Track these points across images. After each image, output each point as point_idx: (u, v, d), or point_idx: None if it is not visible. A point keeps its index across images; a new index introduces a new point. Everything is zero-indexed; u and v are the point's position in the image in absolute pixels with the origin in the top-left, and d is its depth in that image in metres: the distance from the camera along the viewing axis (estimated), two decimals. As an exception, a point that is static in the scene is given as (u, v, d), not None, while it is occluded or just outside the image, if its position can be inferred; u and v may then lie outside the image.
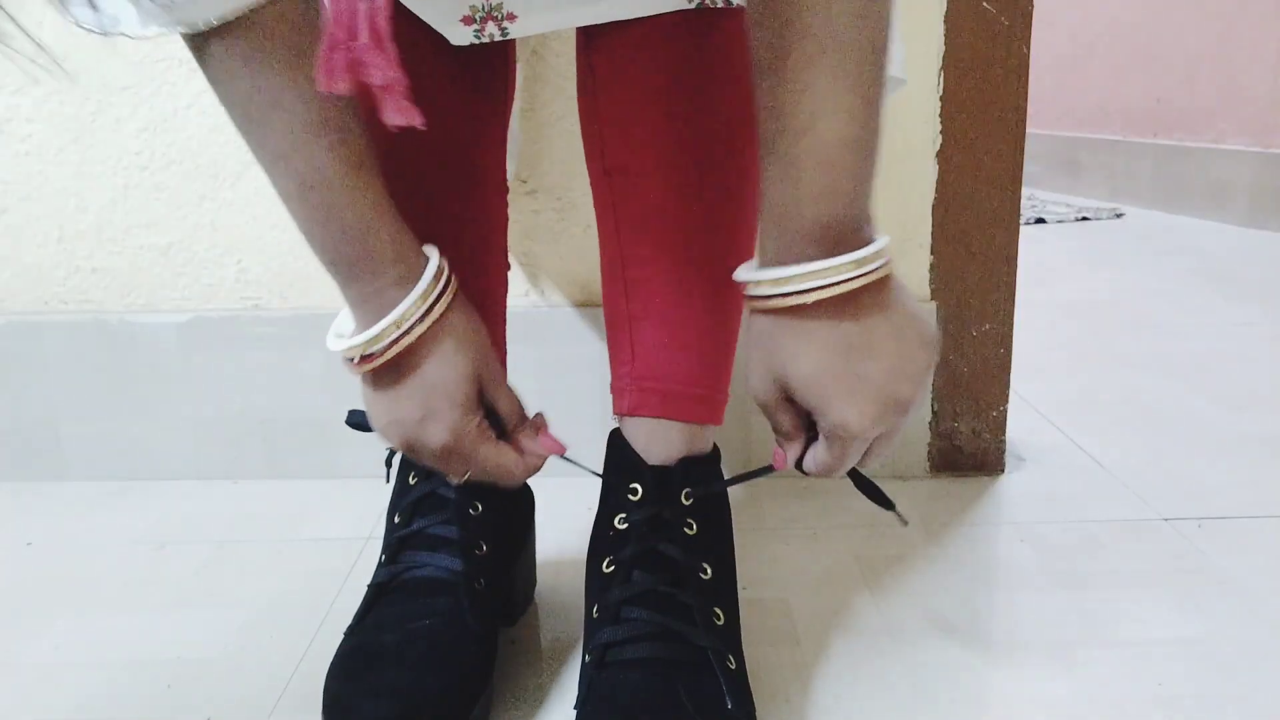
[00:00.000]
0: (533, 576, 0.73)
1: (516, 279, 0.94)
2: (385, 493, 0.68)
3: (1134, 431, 1.04)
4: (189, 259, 0.95)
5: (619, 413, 0.63)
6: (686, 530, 0.59)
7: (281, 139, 0.49)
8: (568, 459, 0.60)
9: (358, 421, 0.62)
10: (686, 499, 0.60)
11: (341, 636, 0.60)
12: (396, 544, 0.63)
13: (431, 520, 0.62)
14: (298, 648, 0.68)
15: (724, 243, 0.61)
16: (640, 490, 0.59)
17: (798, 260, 0.46)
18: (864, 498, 0.57)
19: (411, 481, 0.65)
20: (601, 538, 0.61)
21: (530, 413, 0.59)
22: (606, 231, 0.63)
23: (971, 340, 0.93)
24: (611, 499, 0.61)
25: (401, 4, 0.57)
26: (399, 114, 0.43)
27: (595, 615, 0.59)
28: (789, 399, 0.50)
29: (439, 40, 0.59)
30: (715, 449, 0.65)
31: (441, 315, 0.52)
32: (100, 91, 0.91)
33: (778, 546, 0.81)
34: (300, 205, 0.52)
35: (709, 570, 0.59)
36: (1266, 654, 0.65)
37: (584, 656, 0.58)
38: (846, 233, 0.46)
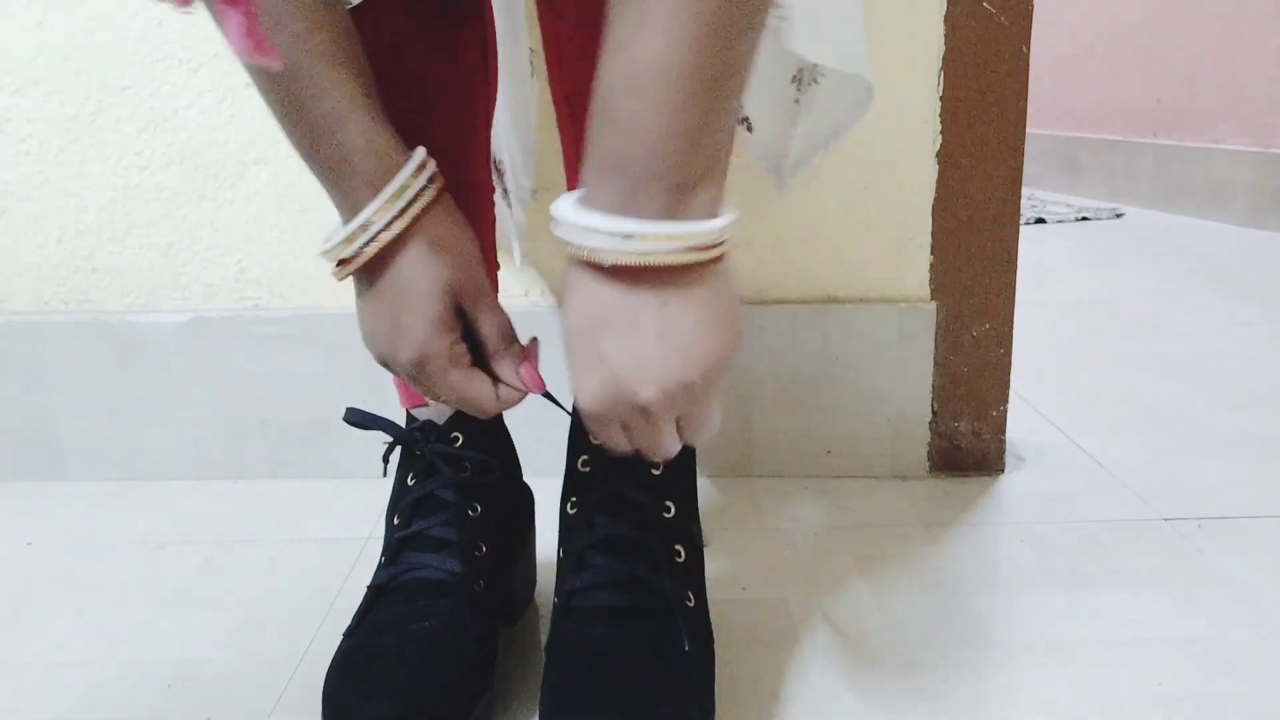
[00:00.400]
0: (533, 577, 0.73)
1: (516, 279, 0.94)
2: (385, 493, 0.68)
3: (1134, 431, 1.04)
4: (189, 259, 0.95)
5: None
6: (654, 470, 0.60)
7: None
8: (548, 396, 0.55)
9: (357, 420, 0.62)
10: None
11: (341, 637, 0.60)
12: (396, 545, 0.63)
13: (431, 521, 0.62)
14: (298, 648, 0.68)
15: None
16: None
17: (597, 204, 0.41)
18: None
19: (410, 482, 0.65)
20: (568, 478, 0.63)
21: (524, 339, 0.55)
22: (569, 160, 0.63)
23: (971, 340, 0.93)
24: (575, 439, 0.62)
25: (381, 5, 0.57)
26: (247, 38, 0.36)
27: (562, 559, 0.61)
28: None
29: (420, 34, 0.59)
30: None
31: (416, 218, 0.49)
32: (100, 91, 0.91)
33: (778, 546, 0.81)
34: (271, 100, 0.49)
35: (672, 509, 0.60)
36: (1266, 654, 0.65)
37: (555, 601, 0.61)
38: (661, 189, 0.40)
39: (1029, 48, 0.87)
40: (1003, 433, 0.95)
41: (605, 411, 0.45)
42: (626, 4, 0.39)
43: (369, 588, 0.62)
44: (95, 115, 0.92)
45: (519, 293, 0.94)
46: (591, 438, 0.51)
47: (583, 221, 0.42)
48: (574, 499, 0.62)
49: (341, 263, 0.50)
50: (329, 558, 0.81)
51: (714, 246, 0.42)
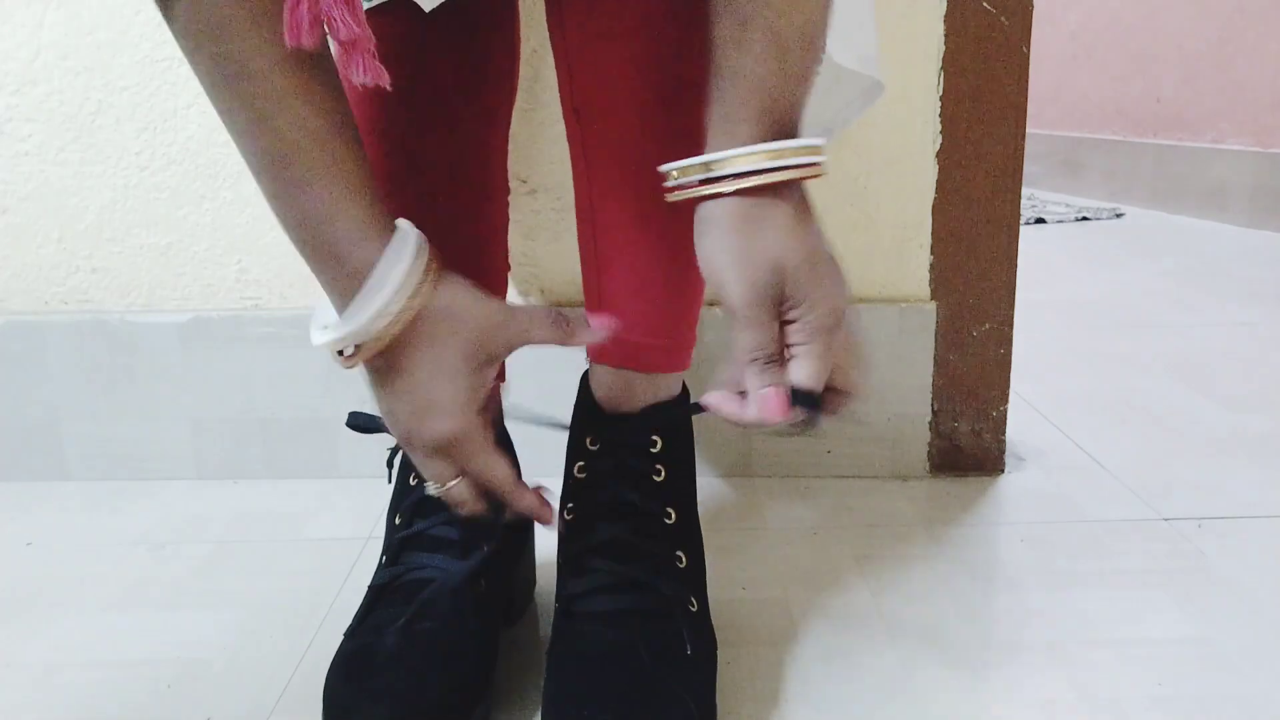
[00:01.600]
0: (533, 577, 0.73)
1: (516, 278, 0.94)
2: (385, 493, 0.68)
3: (1134, 431, 1.04)
4: (189, 259, 0.95)
5: (588, 357, 0.64)
6: (655, 477, 0.60)
7: (251, 107, 0.46)
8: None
9: (358, 423, 0.62)
10: (654, 445, 0.60)
11: (341, 637, 0.60)
12: (397, 545, 0.63)
13: (432, 522, 0.62)
14: (298, 648, 0.68)
15: None
16: (598, 440, 0.61)
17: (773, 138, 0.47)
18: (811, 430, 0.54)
19: (412, 483, 0.65)
20: (566, 485, 0.63)
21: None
22: (578, 172, 0.63)
23: (971, 340, 0.93)
24: (573, 446, 0.63)
25: (408, 10, 0.57)
26: (364, 72, 0.41)
27: (562, 564, 0.61)
28: (772, 298, 0.48)
29: (445, 39, 0.59)
30: (684, 390, 0.66)
31: (427, 300, 0.48)
32: (100, 91, 0.91)
33: (778, 546, 0.81)
34: (267, 181, 0.48)
35: (673, 515, 0.60)
36: (1266, 654, 0.65)
37: (556, 605, 0.60)
38: (794, 118, 0.48)
39: (1029, 48, 0.87)
40: (1003, 433, 0.95)
41: (764, 290, 0.47)
42: None
43: (370, 588, 0.62)
44: (95, 115, 0.92)
45: (519, 293, 0.94)
46: (802, 387, 0.49)
47: (791, 145, 0.47)
48: (571, 504, 0.63)
49: (354, 354, 0.49)
50: (329, 558, 0.81)
51: (819, 151, 0.49)
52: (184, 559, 0.82)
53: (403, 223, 0.50)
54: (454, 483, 0.52)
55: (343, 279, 0.48)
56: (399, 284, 0.47)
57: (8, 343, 0.96)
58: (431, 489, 0.53)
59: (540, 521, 0.55)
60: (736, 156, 0.47)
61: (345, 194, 0.47)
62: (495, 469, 0.52)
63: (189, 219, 0.94)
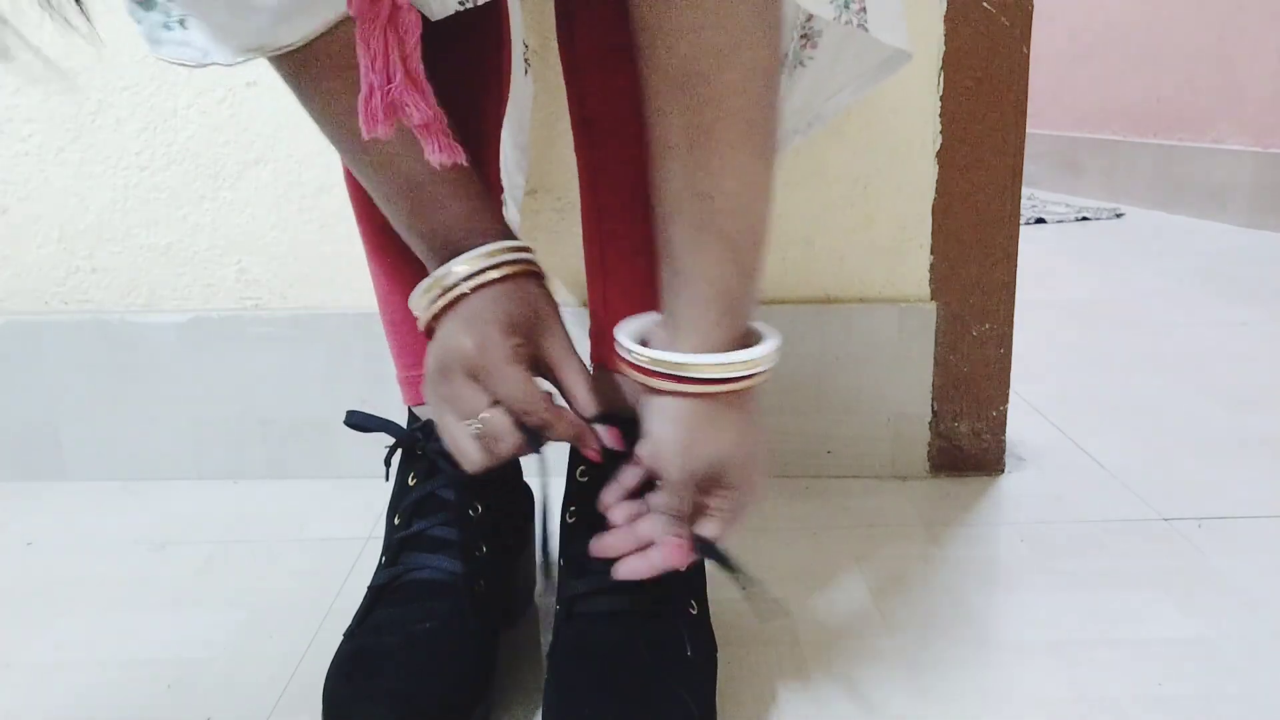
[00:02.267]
0: (533, 577, 0.73)
1: (516, 279, 0.94)
2: (385, 493, 0.68)
3: (1134, 431, 1.04)
4: (189, 259, 0.95)
5: (591, 360, 0.65)
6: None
7: (373, 152, 0.51)
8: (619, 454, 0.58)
9: (358, 422, 0.62)
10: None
11: (341, 637, 0.60)
12: (396, 546, 0.63)
13: (431, 522, 0.62)
14: (298, 648, 0.68)
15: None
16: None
17: (731, 343, 0.50)
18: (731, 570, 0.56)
19: (411, 482, 0.65)
20: (568, 488, 0.64)
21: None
22: (584, 182, 0.64)
23: (971, 340, 0.93)
24: (575, 450, 0.62)
25: None
26: (441, 152, 0.44)
27: (563, 566, 0.61)
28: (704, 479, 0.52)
29: (432, 42, 0.59)
30: None
31: (511, 273, 0.53)
32: (100, 91, 0.91)
33: (778, 546, 0.81)
34: (396, 206, 0.54)
35: None
36: (1266, 654, 0.65)
37: (557, 607, 0.61)
38: (741, 323, 0.50)
39: (1029, 48, 0.87)
40: (1003, 433, 0.95)
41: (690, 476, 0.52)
42: (721, 175, 0.47)
43: (369, 588, 0.62)
44: (95, 115, 0.92)
45: (519, 293, 0.94)
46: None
47: (749, 357, 0.50)
48: (573, 508, 0.63)
49: (438, 301, 0.53)
50: (329, 558, 0.81)
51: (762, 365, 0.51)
52: (184, 559, 0.82)
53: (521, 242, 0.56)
54: (488, 413, 0.52)
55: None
56: (491, 249, 0.53)
57: (8, 343, 0.96)
58: (470, 451, 0.53)
59: (582, 447, 0.56)
60: (708, 365, 0.50)
61: (473, 210, 0.54)
62: (526, 385, 0.53)
63: (189, 219, 0.94)
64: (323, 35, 0.48)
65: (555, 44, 0.87)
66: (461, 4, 0.55)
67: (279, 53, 0.49)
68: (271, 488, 0.95)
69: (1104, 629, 0.68)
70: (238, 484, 0.97)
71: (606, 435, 0.57)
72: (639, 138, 0.59)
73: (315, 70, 0.49)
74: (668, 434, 0.51)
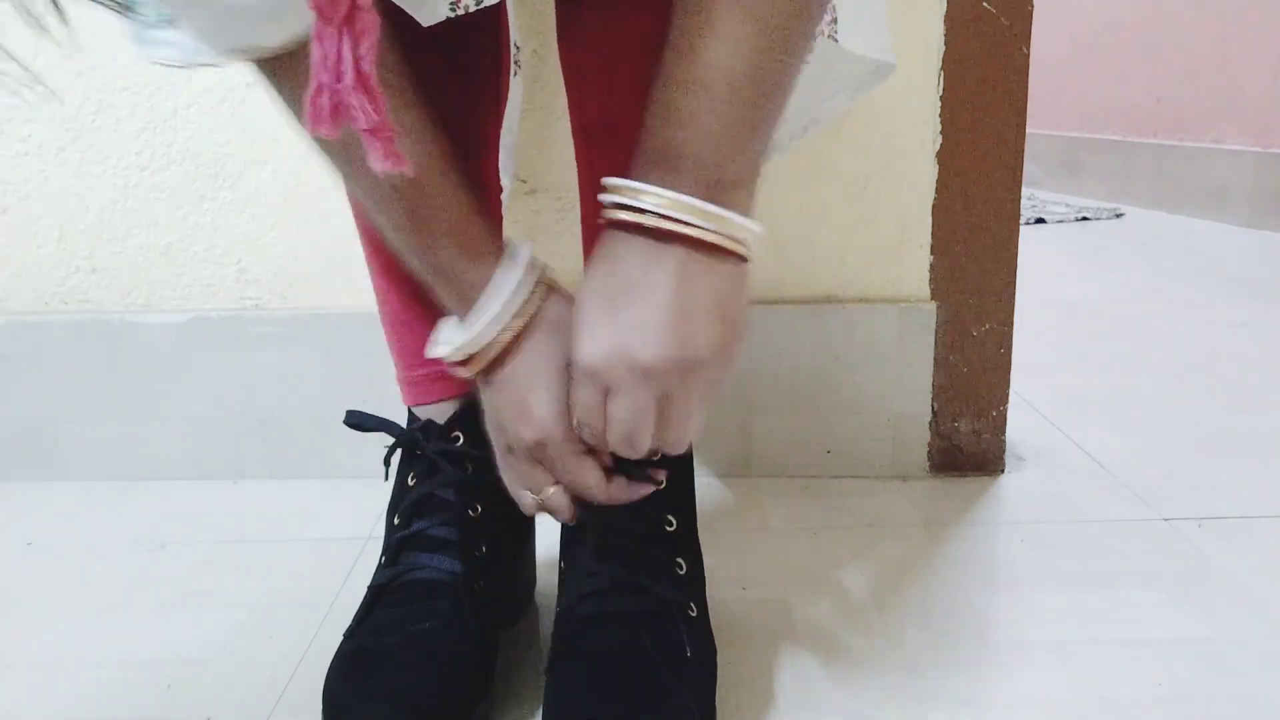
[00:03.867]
0: (533, 577, 0.73)
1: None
2: (385, 493, 0.68)
3: (1134, 431, 1.04)
4: (189, 259, 0.95)
5: None
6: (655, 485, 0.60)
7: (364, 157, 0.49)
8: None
9: (357, 422, 0.62)
10: (655, 454, 0.60)
11: (341, 637, 0.60)
12: (396, 545, 0.63)
13: (431, 522, 0.62)
14: (298, 648, 0.68)
15: None
16: None
17: (649, 179, 0.45)
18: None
19: (411, 482, 0.65)
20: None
21: None
22: (584, 188, 0.64)
23: (971, 340, 0.93)
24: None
25: (386, 9, 0.57)
26: (385, 160, 0.43)
27: (564, 568, 0.61)
28: None
29: (429, 42, 0.59)
30: None
31: (539, 308, 0.52)
32: (100, 91, 0.91)
33: (778, 546, 0.81)
34: (383, 216, 0.52)
35: (674, 523, 0.61)
36: (1266, 654, 0.65)
37: (557, 609, 0.61)
38: (705, 179, 0.44)
39: (1029, 48, 0.87)
40: (1003, 433, 0.95)
41: (601, 367, 0.47)
42: (694, 9, 0.43)
43: (369, 588, 0.62)
44: (95, 115, 0.92)
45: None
46: (572, 418, 0.52)
47: (627, 183, 0.45)
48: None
49: (468, 362, 0.52)
50: (329, 558, 0.81)
51: (739, 241, 0.46)
52: (184, 559, 0.82)
53: (513, 241, 0.53)
54: (552, 490, 0.53)
55: (459, 296, 0.52)
56: (508, 297, 0.50)
57: (8, 343, 0.96)
58: (528, 505, 0.54)
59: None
60: (614, 186, 0.47)
61: (459, 222, 0.51)
62: (587, 473, 0.53)
63: (189, 219, 0.94)
64: (306, 42, 0.47)
65: (555, 44, 0.88)
66: (452, 10, 0.55)
67: (264, 55, 0.48)
68: (271, 488, 0.95)
69: (1104, 629, 0.68)
70: (237, 484, 0.97)
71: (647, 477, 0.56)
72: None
73: (302, 77, 0.49)
74: (648, 307, 0.46)
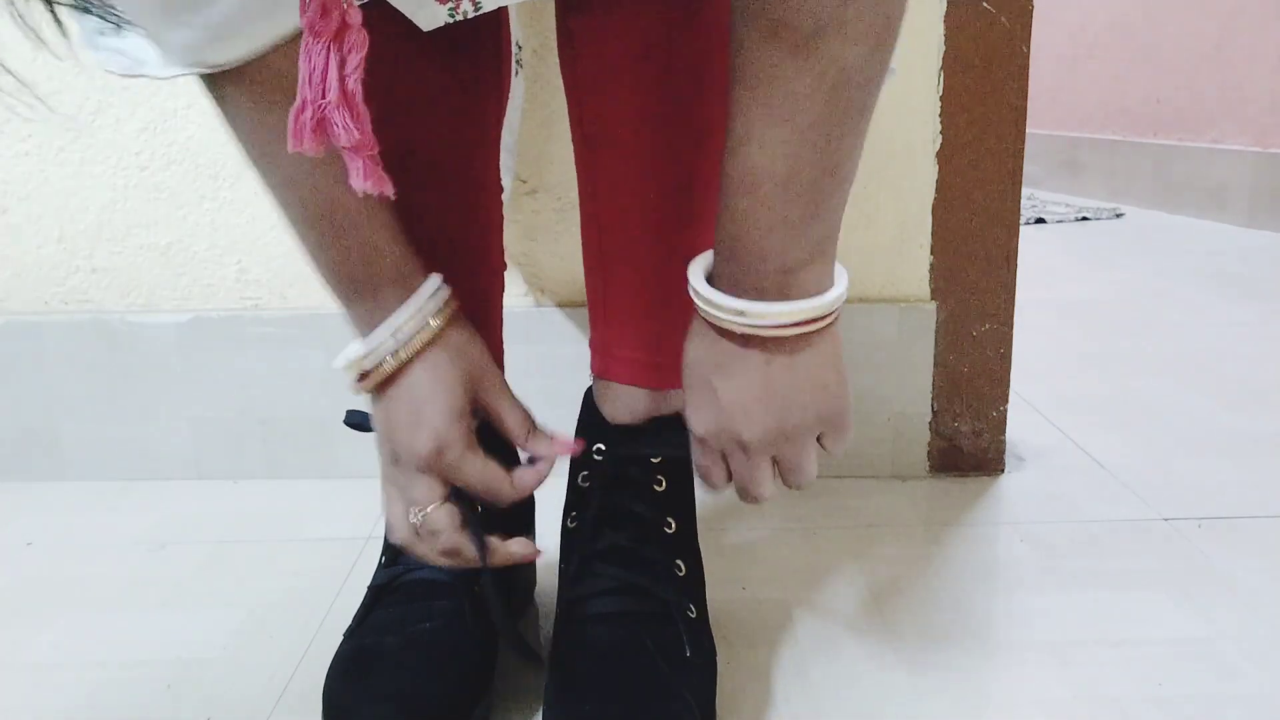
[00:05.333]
0: (533, 577, 0.73)
1: (515, 279, 0.94)
2: (385, 493, 0.68)
3: (1134, 431, 1.04)
4: (189, 259, 0.95)
5: (592, 372, 0.64)
6: (656, 487, 0.61)
7: (289, 169, 0.50)
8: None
9: (356, 422, 0.62)
10: (655, 458, 0.60)
11: (341, 637, 0.60)
12: (396, 545, 0.63)
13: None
14: (298, 648, 0.68)
15: (697, 212, 0.61)
16: (603, 450, 0.62)
17: (745, 291, 0.47)
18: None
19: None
20: (570, 494, 0.64)
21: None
22: (584, 196, 0.64)
23: (971, 340, 0.93)
24: (578, 458, 0.63)
25: (387, 11, 0.57)
26: (365, 178, 0.43)
27: (565, 569, 0.62)
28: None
29: (430, 43, 0.59)
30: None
31: (438, 333, 0.53)
32: (100, 91, 0.91)
33: (778, 546, 0.82)
34: (307, 230, 0.53)
35: (673, 524, 0.61)
36: (1266, 654, 0.65)
37: (557, 610, 0.61)
38: (769, 271, 0.46)
39: (1029, 48, 0.87)
40: (1003, 433, 0.95)
41: (711, 439, 0.50)
42: (733, 113, 0.45)
43: (369, 588, 0.62)
44: (95, 115, 0.92)
45: (519, 292, 0.94)
46: (696, 470, 0.54)
47: (705, 293, 0.48)
48: (575, 513, 0.63)
49: (362, 376, 0.53)
50: (329, 558, 0.81)
51: (816, 320, 0.47)
52: (184, 559, 0.82)
53: (433, 276, 0.55)
54: (433, 506, 0.52)
55: (368, 314, 0.53)
56: (413, 313, 0.52)
57: (8, 343, 0.96)
58: (412, 519, 0.53)
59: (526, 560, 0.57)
60: (717, 305, 0.48)
61: (382, 242, 0.53)
62: (485, 470, 0.53)
63: (189, 219, 0.94)
64: (254, 61, 0.48)
65: (555, 45, 0.88)
66: (451, 16, 0.55)
67: (211, 71, 0.48)
68: (271, 488, 0.95)
69: (1104, 629, 0.68)
70: (237, 484, 0.97)
71: (555, 444, 0.57)
72: (639, 155, 0.59)
73: (251, 91, 0.49)
74: (742, 388, 0.49)
